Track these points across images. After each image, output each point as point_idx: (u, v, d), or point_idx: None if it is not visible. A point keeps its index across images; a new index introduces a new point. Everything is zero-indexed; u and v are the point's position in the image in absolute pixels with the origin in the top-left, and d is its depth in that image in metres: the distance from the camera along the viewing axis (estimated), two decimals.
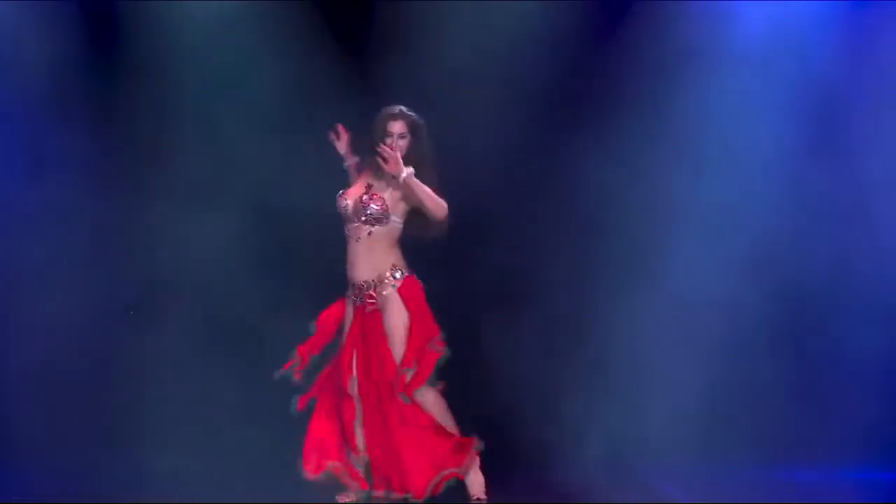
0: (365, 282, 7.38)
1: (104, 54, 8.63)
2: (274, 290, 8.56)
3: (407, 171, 7.25)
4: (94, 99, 8.61)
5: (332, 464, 7.40)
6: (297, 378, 7.46)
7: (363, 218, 7.36)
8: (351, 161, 7.68)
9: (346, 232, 7.44)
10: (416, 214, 7.43)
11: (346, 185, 7.62)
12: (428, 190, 7.29)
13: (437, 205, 7.30)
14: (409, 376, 7.28)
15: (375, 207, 7.35)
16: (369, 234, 7.37)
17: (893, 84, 8.58)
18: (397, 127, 7.38)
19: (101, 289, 8.63)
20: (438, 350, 7.32)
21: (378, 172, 7.39)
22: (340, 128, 7.67)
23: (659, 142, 8.64)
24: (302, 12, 8.62)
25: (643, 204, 8.66)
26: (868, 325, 8.60)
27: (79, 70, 8.58)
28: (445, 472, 7.27)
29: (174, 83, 8.65)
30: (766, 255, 8.62)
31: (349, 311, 7.49)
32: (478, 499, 7.34)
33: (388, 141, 7.33)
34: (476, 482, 7.36)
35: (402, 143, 7.37)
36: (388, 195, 7.38)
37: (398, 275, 7.39)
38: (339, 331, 7.53)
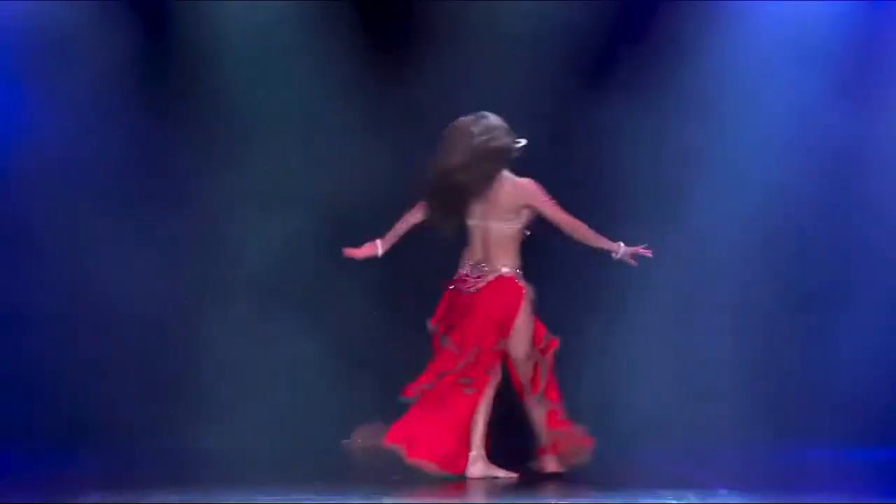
0: None
1: (156, 54, 8.93)
2: (332, 282, 8.83)
3: None
4: (146, 95, 8.93)
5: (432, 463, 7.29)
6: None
7: None
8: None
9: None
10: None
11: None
12: None
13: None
14: None
15: None
16: None
17: None
18: None
19: (159, 282, 8.99)
20: None
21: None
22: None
23: (685, 103, 8.80)
24: (345, 12, 8.88)
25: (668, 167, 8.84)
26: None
27: (133, 69, 8.91)
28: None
29: (223, 82, 8.96)
30: (782, 224, 8.83)
31: None
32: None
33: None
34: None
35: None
36: None
37: None
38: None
